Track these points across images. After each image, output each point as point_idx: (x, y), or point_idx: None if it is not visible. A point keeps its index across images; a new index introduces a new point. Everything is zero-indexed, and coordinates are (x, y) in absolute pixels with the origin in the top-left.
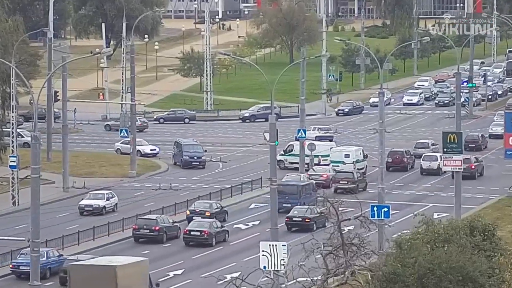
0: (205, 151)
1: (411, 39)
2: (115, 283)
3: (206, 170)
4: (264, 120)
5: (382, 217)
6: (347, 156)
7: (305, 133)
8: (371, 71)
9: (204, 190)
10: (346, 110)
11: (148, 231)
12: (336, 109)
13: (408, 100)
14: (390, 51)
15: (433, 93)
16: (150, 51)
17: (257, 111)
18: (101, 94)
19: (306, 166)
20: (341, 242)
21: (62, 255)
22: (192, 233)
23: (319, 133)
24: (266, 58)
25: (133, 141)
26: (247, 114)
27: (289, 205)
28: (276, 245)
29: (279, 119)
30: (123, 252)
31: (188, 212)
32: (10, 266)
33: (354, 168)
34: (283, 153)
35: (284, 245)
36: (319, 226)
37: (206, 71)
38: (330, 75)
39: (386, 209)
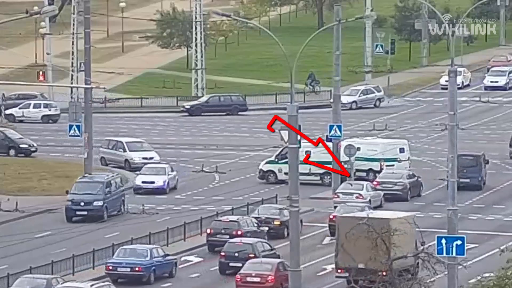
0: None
1: None
2: (389, 236)
3: (196, 185)
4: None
5: (454, 254)
6: (402, 151)
7: (340, 130)
8: (438, 39)
9: (192, 214)
10: (188, 107)
11: (228, 237)
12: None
13: (491, 82)
14: (465, 10)
15: None
16: (113, 11)
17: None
18: (41, 73)
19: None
20: None
21: (168, 254)
22: None
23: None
24: (283, 20)
25: (88, 141)
26: None
27: (467, 180)
28: None
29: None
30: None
31: None
32: (106, 267)
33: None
34: (274, 159)
35: None
36: None
37: (196, 39)
38: (377, 46)
39: (459, 242)
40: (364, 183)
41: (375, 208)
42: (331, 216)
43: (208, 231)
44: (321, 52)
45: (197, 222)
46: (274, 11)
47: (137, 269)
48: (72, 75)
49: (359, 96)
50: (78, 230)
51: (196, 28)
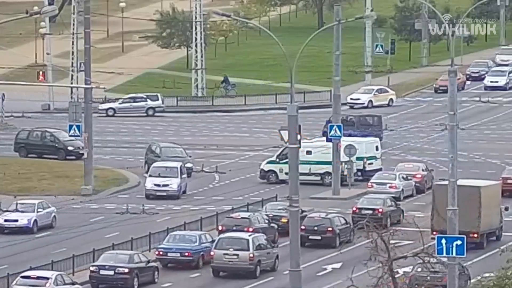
0: None
1: None
2: (479, 202)
3: (196, 185)
4: None
5: (454, 254)
6: (376, 148)
7: (340, 130)
8: (438, 39)
9: (192, 214)
10: None
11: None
12: None
13: (491, 82)
14: (465, 10)
15: None
16: (113, 11)
17: None
18: (41, 73)
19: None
20: None
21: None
22: (362, 211)
23: None
24: (283, 20)
25: (88, 141)
26: None
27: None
28: None
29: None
30: None
31: None
32: (156, 252)
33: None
34: (276, 159)
35: None
36: None
37: (195, 39)
38: (377, 46)
39: (459, 242)
40: (397, 173)
41: (406, 197)
42: (354, 208)
43: (220, 227)
44: (321, 52)
45: (197, 222)
46: (274, 11)
47: (186, 254)
48: (72, 75)
49: (120, 103)
50: (79, 230)
51: (196, 28)
